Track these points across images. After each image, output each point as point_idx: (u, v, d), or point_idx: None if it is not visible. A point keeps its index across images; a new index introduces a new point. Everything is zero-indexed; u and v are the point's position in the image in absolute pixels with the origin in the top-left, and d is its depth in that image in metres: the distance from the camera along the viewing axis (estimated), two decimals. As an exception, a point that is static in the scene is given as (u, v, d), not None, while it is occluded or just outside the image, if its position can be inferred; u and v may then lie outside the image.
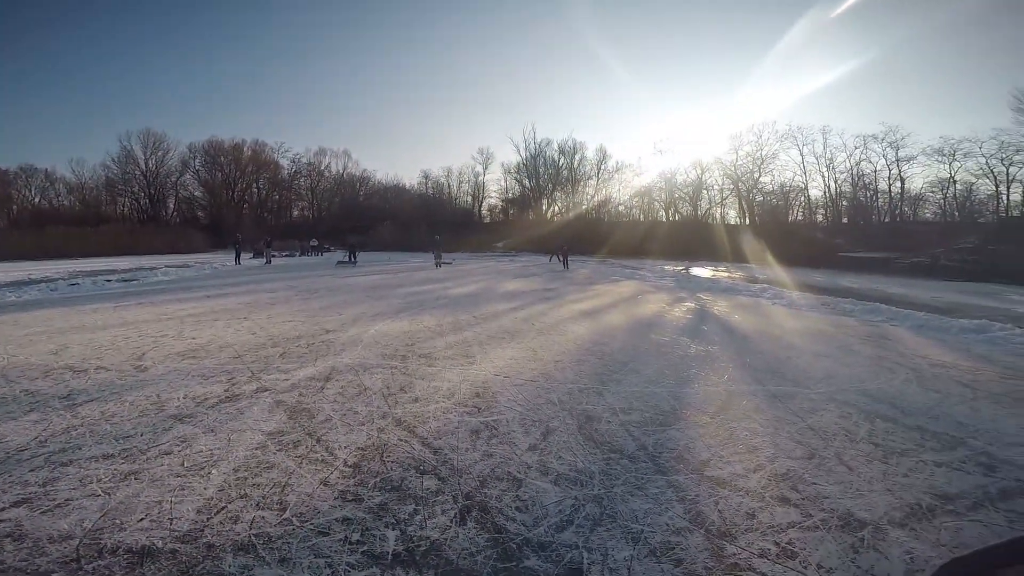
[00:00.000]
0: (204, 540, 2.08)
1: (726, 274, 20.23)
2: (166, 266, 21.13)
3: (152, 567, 1.91)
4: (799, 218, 46.51)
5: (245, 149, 61.23)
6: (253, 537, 2.10)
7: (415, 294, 11.68)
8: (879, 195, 43.31)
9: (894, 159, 41.25)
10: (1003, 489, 2.56)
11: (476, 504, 2.40)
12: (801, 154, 44.41)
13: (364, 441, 3.14)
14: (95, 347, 5.72)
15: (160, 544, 2.05)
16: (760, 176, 45.58)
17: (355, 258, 26.04)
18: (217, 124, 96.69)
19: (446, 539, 2.11)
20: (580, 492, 2.52)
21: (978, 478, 2.69)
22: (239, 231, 35.54)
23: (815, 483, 2.62)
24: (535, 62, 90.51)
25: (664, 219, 49.63)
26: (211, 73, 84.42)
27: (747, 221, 44.89)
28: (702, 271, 21.83)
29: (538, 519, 2.27)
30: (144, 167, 57.60)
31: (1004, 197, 37.15)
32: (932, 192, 41.42)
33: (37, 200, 55.32)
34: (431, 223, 46.89)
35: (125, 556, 1.97)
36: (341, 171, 64.77)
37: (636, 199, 54.27)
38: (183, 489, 2.50)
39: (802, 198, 46.70)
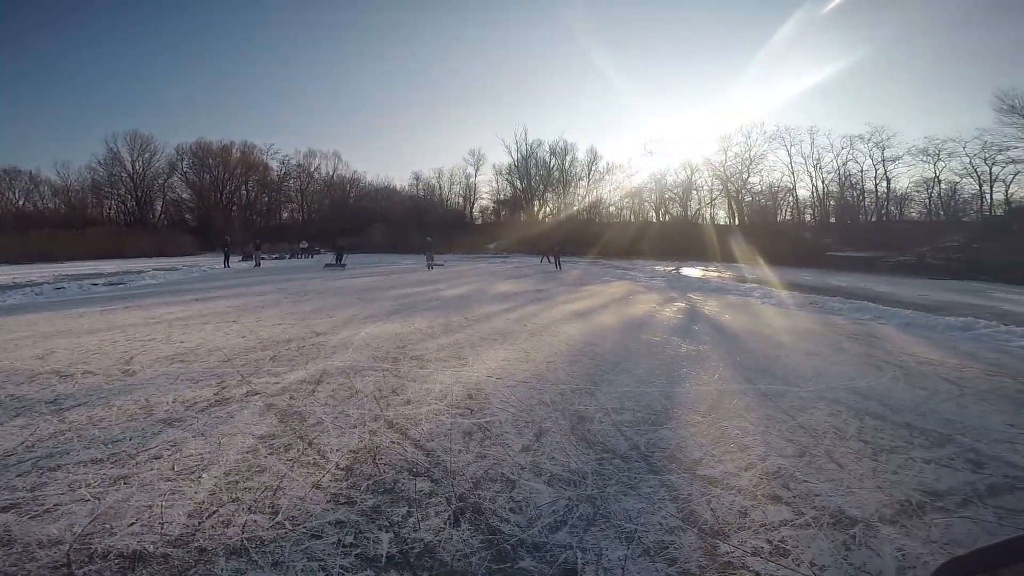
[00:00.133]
0: (196, 544, 2.06)
1: (716, 274, 20.35)
2: (154, 269, 20.92)
3: (144, 572, 1.89)
4: (787, 218, 46.90)
5: (234, 151, 60.64)
6: (245, 541, 2.08)
7: (406, 296, 11.65)
8: (866, 195, 43.83)
9: (880, 159, 41.77)
10: (991, 485, 2.60)
11: (470, 506, 2.40)
12: (789, 154, 44.85)
13: (356, 444, 3.12)
14: (82, 351, 5.65)
15: (151, 548, 2.02)
16: (749, 176, 45.97)
17: (343, 261, 25.18)
18: (205, 125, 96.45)
19: (440, 541, 2.11)
20: (574, 492, 2.53)
21: (967, 475, 2.73)
22: (228, 233, 35.34)
23: (806, 481, 2.64)
24: (526, 63, 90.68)
25: (654, 220, 49.88)
26: (199, 74, 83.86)
27: (736, 221, 45.22)
28: (692, 271, 21.96)
29: (532, 520, 2.27)
30: (131, 169, 56.77)
31: (987, 196, 37.70)
32: (917, 192, 42.03)
33: (21, 203, 54.29)
34: (422, 225, 46.79)
35: (116, 561, 1.95)
36: (331, 173, 64.43)
37: (627, 200, 54.53)
38: (174, 493, 2.48)
39: (790, 198, 47.13)
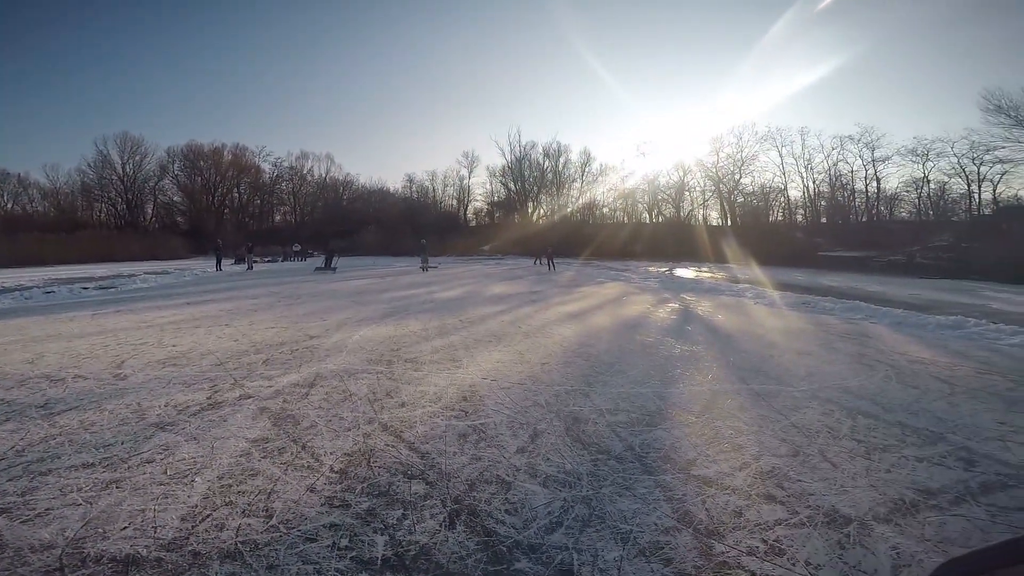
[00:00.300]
0: (190, 548, 2.04)
1: (709, 275, 20.45)
2: (145, 273, 20.77)
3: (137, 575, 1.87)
4: (779, 218, 47.33)
5: (225, 153, 60.34)
6: (240, 544, 2.07)
7: (401, 298, 11.62)
8: (856, 195, 44.32)
9: (870, 159, 42.28)
10: (983, 483, 2.62)
11: (465, 508, 2.39)
12: (780, 155, 45.32)
13: (350, 447, 3.11)
14: (73, 355, 5.60)
15: (145, 552, 2.01)
16: (741, 177, 46.36)
17: (333, 264, 23.26)
18: (196, 128, 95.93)
19: (436, 543, 2.10)
20: (569, 494, 2.52)
21: (959, 473, 2.75)
22: (220, 236, 35.18)
23: (800, 480, 2.66)
24: (520, 65, 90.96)
25: (648, 221, 50.08)
26: (190, 76, 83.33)
27: (729, 222, 45.51)
28: (685, 272, 22.05)
29: (527, 521, 2.27)
30: (121, 172, 56.36)
31: (976, 196, 38.22)
32: (907, 192, 42.56)
33: (10, 206, 53.78)
34: (416, 227, 46.77)
35: (109, 565, 1.93)
36: (324, 175, 64.30)
37: (620, 201, 54.73)
38: (167, 497, 2.46)
39: (782, 199, 47.56)
